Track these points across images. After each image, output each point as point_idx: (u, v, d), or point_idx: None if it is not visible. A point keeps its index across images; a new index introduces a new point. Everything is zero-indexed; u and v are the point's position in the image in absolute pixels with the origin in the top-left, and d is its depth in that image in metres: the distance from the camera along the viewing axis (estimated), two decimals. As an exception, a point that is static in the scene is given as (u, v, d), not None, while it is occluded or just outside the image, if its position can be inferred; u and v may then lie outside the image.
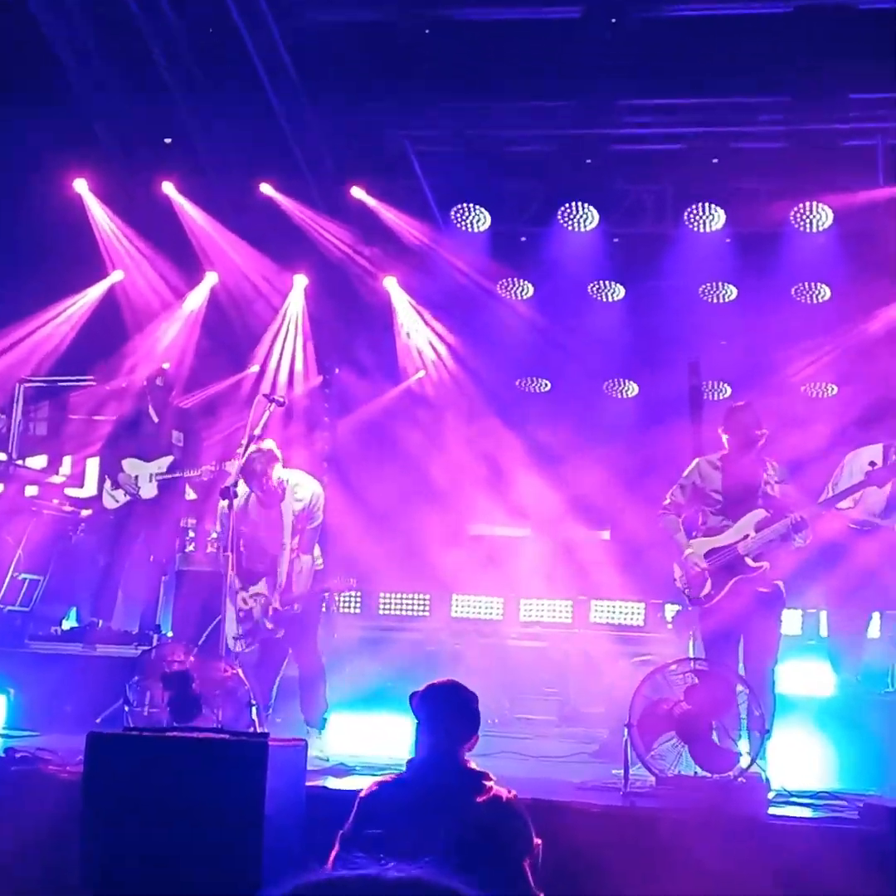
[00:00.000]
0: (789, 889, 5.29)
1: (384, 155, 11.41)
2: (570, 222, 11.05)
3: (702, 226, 10.93)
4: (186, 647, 7.69)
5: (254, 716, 6.64)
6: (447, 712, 4.51)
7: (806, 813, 6.04)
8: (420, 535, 10.42)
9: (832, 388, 11.80)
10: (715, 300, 11.60)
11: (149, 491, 9.26)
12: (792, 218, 10.66)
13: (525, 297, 12.01)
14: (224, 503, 7.31)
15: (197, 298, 11.78)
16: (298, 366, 11.93)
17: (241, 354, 11.95)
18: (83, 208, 11.36)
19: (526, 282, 11.93)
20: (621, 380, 12.57)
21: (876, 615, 8.05)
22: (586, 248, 11.33)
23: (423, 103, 10.80)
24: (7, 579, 9.18)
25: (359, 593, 10.69)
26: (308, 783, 5.82)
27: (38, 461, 11.28)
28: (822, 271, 11.15)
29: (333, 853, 4.36)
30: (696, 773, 6.31)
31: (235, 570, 7.49)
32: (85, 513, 10.26)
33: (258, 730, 6.45)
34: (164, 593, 9.46)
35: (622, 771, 6.35)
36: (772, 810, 6.06)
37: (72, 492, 10.93)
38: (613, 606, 10.28)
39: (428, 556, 10.25)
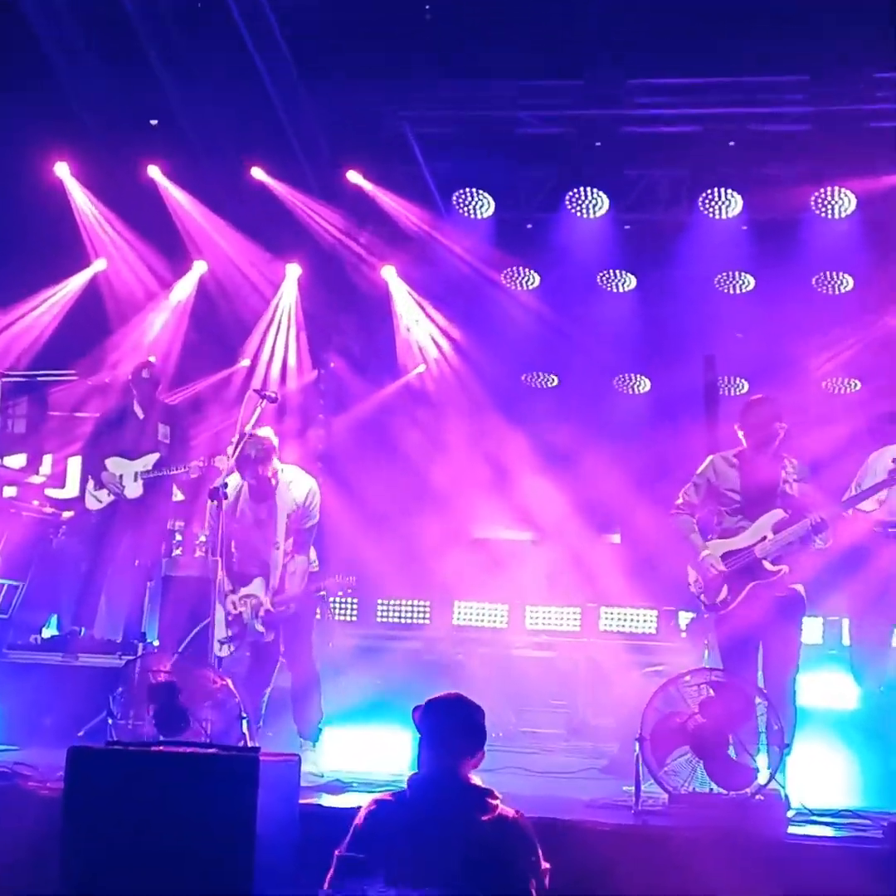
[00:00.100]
0: (810, 913, 5.29)
1: (382, 137, 11.40)
2: (578, 208, 11.04)
3: (718, 212, 10.92)
4: (173, 656, 7.68)
5: (244, 729, 6.63)
6: (451, 728, 4.50)
7: (827, 832, 6.02)
8: (420, 538, 10.43)
9: (855, 384, 11.80)
10: (731, 291, 11.60)
11: (134, 490, 9.25)
12: (813, 203, 10.65)
13: (531, 288, 12.01)
14: (213, 503, 7.29)
15: (184, 289, 11.78)
16: (291, 360, 11.94)
17: (231, 348, 11.95)
18: (64, 194, 11.35)
19: (532, 271, 11.93)
20: (632, 375, 12.57)
21: (901, 624, 8.04)
22: (595, 236, 11.32)
23: (423, 83, 10.80)
24: (-16, 585, 9.19)
25: (355, 600, 10.69)
26: (302, 800, 5.79)
27: (16, 460, 11.28)
28: (845, 260, 11.15)
29: (329, 875, 4.35)
30: (711, 789, 6.30)
31: (226, 572, 7.48)
32: (66, 515, 10.25)
33: (249, 744, 6.44)
34: (150, 600, 9.45)
35: (633, 788, 6.33)
36: (791, 829, 6.05)
37: (52, 492, 10.93)
38: (624, 614, 10.29)
39: (428, 561, 10.26)
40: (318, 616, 8.20)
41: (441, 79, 10.73)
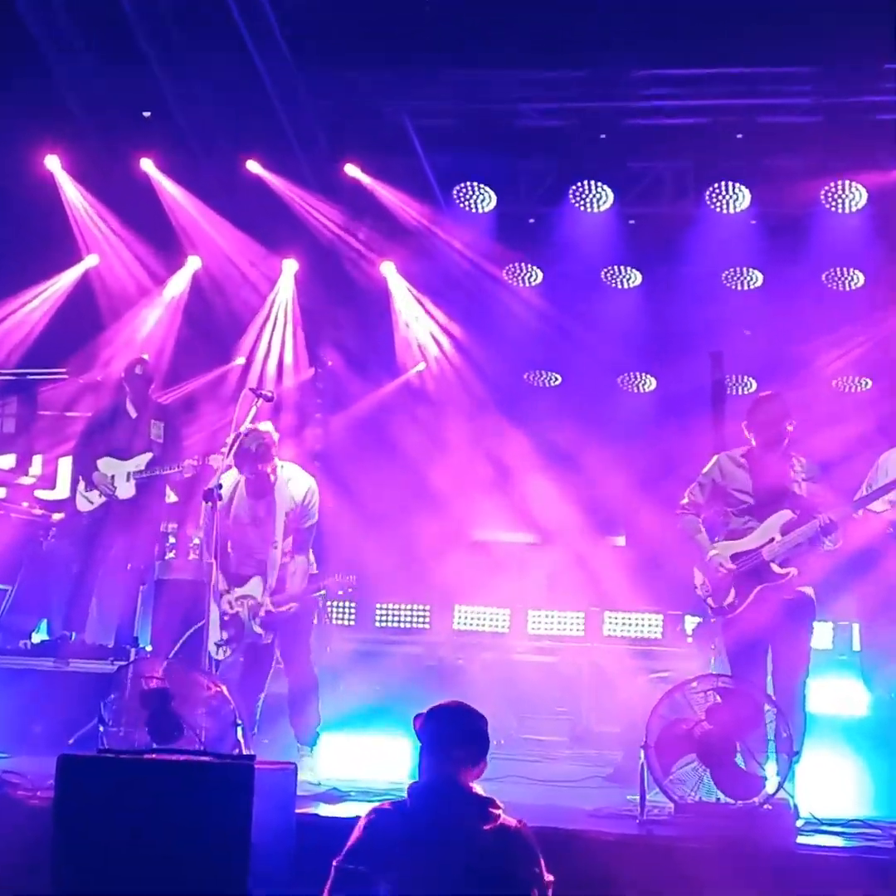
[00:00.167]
0: (820, 925, 5.28)
1: (381, 129, 11.39)
2: (582, 202, 11.04)
3: (725, 206, 10.91)
4: (166, 662, 7.67)
5: (239, 736, 6.62)
6: (453, 736, 4.49)
7: (837, 842, 6.01)
8: (419, 541, 10.43)
9: (865, 383, 11.79)
10: (739, 287, 11.59)
11: (126, 491, 9.24)
12: (823, 198, 10.65)
13: (533, 284, 12.00)
14: (207, 505, 7.28)
15: (178, 285, 11.78)
16: (288, 358, 11.94)
17: (226, 346, 11.95)
18: (55, 187, 11.35)
19: (534, 267, 11.92)
20: (637, 373, 12.56)
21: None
22: (600, 231, 11.32)
23: (423, 74, 10.78)
24: (-28, 589, 9.19)
25: (353, 604, 10.69)
26: (298, 810, 5.80)
27: (5, 461, 11.28)
28: (856, 256, 11.14)
29: (327, 886, 4.35)
30: (718, 799, 6.29)
31: (222, 573, 7.47)
32: (57, 516, 10.25)
33: (244, 751, 6.43)
34: (143, 604, 9.44)
35: (638, 797, 6.32)
36: (800, 839, 6.04)
37: (42, 494, 10.92)
38: (629, 618, 10.28)
39: (428, 564, 10.25)
40: (315, 621, 8.19)
41: (442, 69, 10.71)
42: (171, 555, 10.16)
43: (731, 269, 11.51)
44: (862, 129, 10.28)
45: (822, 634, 9.00)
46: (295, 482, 7.65)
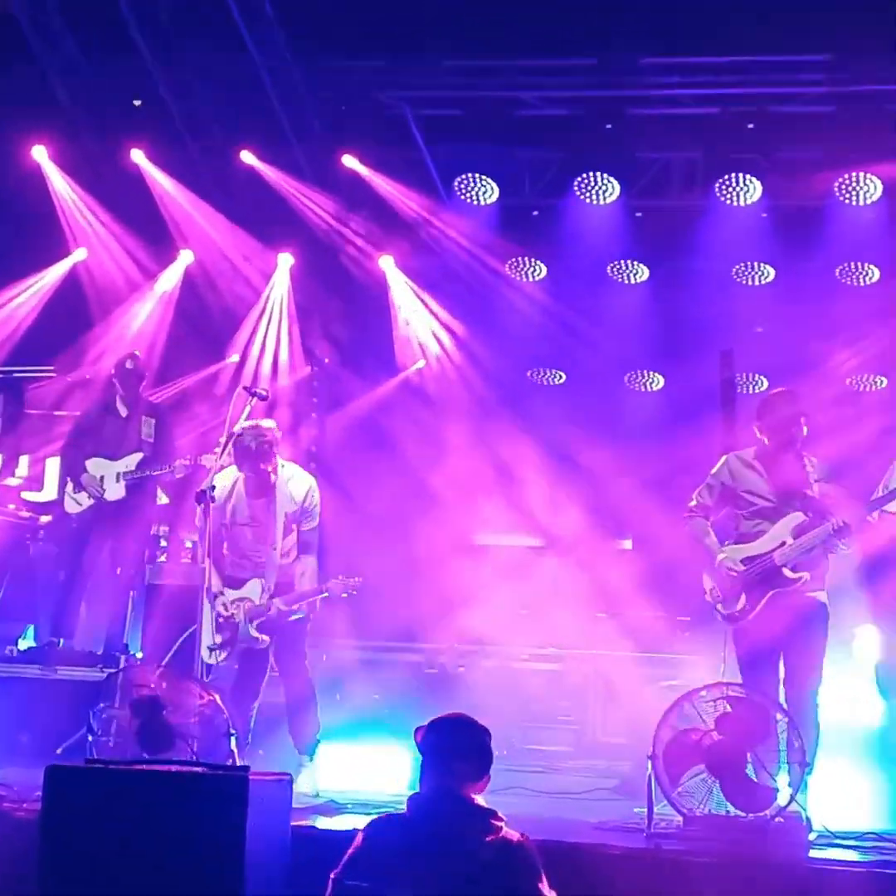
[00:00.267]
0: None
1: (380, 119, 11.40)
2: (587, 194, 11.03)
3: (736, 199, 10.91)
4: (157, 669, 7.68)
5: (233, 746, 6.62)
6: (456, 750, 4.50)
7: (851, 856, 6.01)
8: (419, 544, 10.42)
9: (881, 381, 11.78)
10: (750, 282, 11.59)
11: (115, 492, 9.24)
12: (837, 190, 10.64)
13: (537, 279, 12.00)
14: (200, 507, 7.28)
15: (169, 280, 11.78)
16: (283, 355, 11.94)
17: (219, 342, 11.95)
18: (42, 179, 11.35)
19: (538, 261, 11.92)
20: (645, 371, 12.56)
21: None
22: (606, 224, 11.31)
23: (424, 62, 10.79)
24: (-43, 593, 9.20)
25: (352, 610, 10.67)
26: (294, 822, 5.80)
27: (-9, 461, 11.28)
28: (870, 249, 11.14)
29: (324, 900, 4.36)
30: (728, 811, 6.29)
31: (217, 575, 7.47)
32: (44, 519, 10.27)
33: (238, 762, 6.44)
34: (133, 609, 9.45)
35: (645, 809, 6.33)
36: (813, 853, 6.05)
37: (29, 495, 10.92)
38: (636, 625, 10.26)
39: (428, 570, 10.24)
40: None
41: (443, 57, 10.72)
42: (163, 558, 10.17)
43: (742, 264, 11.51)
44: (876, 118, 10.26)
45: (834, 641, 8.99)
46: (295, 481, 7.65)
